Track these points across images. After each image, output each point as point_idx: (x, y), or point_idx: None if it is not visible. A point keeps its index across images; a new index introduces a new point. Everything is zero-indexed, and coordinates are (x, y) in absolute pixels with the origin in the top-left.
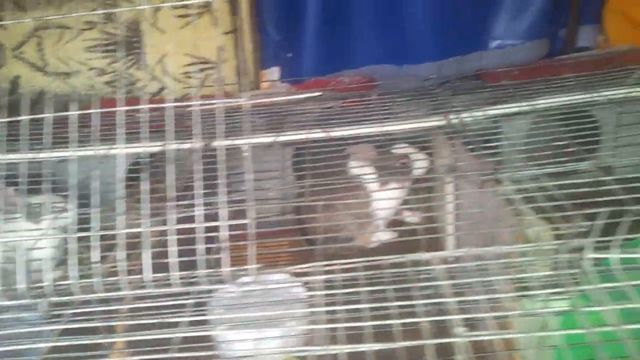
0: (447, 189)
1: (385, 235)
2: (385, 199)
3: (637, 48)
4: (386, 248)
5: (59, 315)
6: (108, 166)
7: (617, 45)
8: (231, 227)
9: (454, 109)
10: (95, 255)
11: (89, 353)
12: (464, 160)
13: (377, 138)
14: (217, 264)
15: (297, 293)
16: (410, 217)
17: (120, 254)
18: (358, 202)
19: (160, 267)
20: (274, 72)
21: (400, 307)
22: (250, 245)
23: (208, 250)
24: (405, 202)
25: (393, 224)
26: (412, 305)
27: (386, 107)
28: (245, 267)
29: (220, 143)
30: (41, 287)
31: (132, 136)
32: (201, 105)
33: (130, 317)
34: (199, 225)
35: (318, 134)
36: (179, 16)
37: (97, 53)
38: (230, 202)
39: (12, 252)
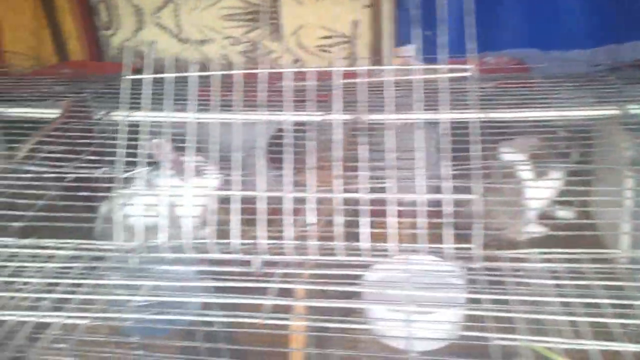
0: (627, 184)
1: (536, 229)
2: (540, 189)
3: None
4: (536, 242)
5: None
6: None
7: None
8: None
9: (633, 99)
10: (262, 219)
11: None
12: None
13: (536, 124)
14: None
15: (453, 278)
16: (564, 212)
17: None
18: (511, 190)
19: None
20: (408, 50)
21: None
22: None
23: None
24: (559, 195)
25: (544, 217)
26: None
27: (548, 92)
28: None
29: (369, 117)
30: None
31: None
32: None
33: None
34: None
35: (473, 115)
36: None
37: (233, 22)
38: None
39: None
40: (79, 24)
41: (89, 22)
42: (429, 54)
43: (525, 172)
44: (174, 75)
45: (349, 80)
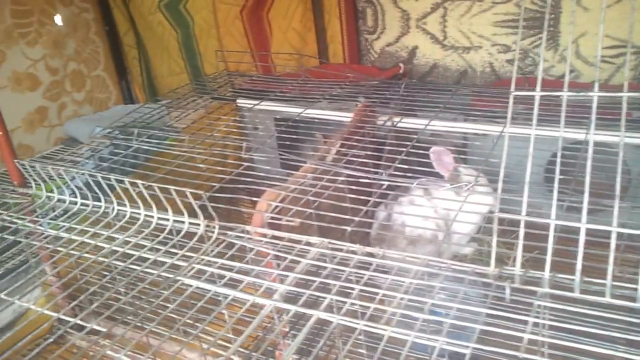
0: None
1: None
2: None
3: None
4: None
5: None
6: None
7: None
8: None
9: None
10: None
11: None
12: None
13: None
14: None
15: None
16: None
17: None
18: None
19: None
20: None
21: None
22: None
23: None
24: None
25: None
26: None
27: None
28: None
29: None
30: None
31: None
32: None
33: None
34: None
35: None
36: None
37: (505, 28)
38: None
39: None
40: (343, 28)
41: (353, 26)
42: None
43: None
44: (567, 94)
45: None
